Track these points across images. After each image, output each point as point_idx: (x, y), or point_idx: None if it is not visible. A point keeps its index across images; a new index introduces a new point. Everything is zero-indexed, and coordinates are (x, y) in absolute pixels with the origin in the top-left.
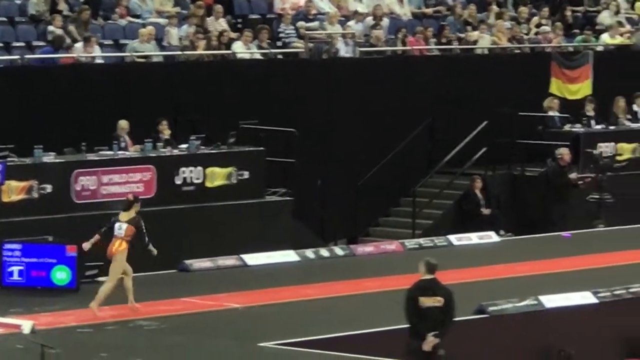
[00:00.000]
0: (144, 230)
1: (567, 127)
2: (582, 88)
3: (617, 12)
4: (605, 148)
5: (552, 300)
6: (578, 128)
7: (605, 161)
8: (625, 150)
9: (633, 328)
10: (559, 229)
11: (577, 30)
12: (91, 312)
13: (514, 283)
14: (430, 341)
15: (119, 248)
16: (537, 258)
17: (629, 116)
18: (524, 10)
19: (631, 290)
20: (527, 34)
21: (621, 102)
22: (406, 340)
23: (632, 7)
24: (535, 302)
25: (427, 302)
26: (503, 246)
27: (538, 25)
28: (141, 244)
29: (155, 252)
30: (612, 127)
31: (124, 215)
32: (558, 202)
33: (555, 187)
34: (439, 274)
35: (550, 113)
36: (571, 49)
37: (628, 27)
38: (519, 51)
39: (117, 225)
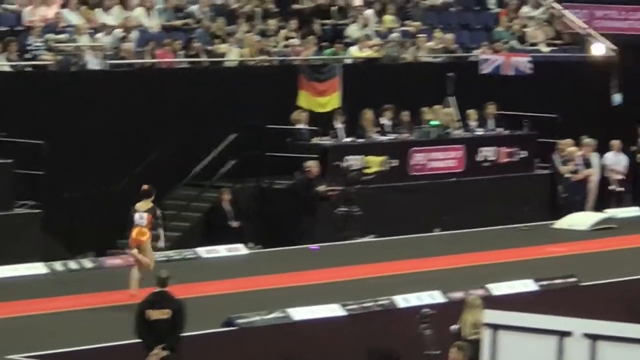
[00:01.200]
0: (159, 220)
1: (315, 140)
2: (330, 101)
3: (366, 26)
4: (353, 161)
5: (300, 313)
6: (326, 141)
7: (353, 174)
8: (374, 162)
9: (382, 340)
10: (306, 242)
11: (326, 43)
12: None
13: (262, 296)
14: (155, 354)
15: (143, 237)
16: (286, 271)
17: (377, 129)
18: (272, 23)
19: (379, 302)
20: (275, 47)
21: (369, 114)
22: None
23: (381, 21)
24: (283, 314)
25: (153, 314)
26: (251, 259)
27: (287, 38)
28: (154, 231)
29: (163, 243)
30: (360, 140)
31: (141, 205)
32: (306, 215)
33: (303, 199)
34: (187, 287)
35: (299, 126)
36: (320, 62)
37: (376, 40)
38: (267, 64)
39: (137, 215)
